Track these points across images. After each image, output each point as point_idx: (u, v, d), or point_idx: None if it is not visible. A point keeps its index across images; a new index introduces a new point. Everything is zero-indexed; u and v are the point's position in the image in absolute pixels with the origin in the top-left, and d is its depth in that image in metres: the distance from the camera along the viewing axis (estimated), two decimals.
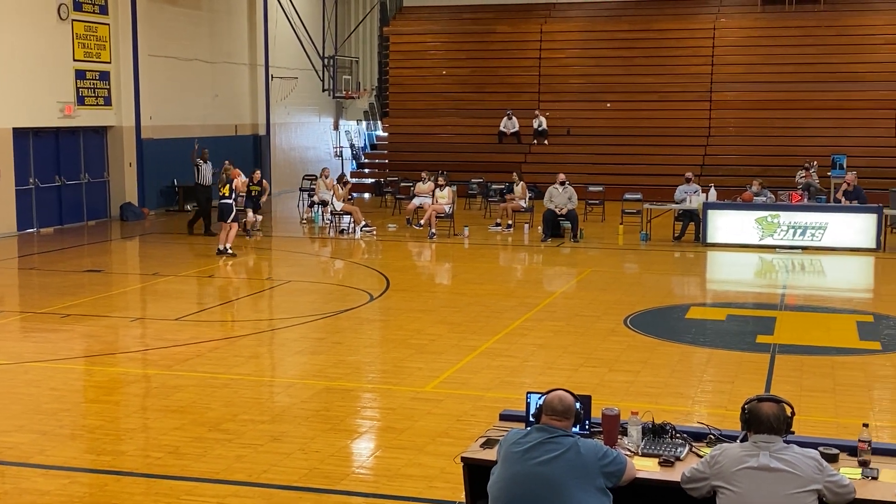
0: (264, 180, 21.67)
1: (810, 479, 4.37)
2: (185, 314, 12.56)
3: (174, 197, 25.22)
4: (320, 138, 33.25)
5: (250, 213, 20.03)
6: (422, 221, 20.61)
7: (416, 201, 21.71)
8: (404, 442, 7.67)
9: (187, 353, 10.49)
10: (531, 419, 4.97)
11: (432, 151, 30.16)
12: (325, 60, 31.72)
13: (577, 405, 4.85)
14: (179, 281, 15.23)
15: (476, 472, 4.99)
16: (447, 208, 20.66)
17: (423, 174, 22.53)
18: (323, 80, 31.73)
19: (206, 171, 20.98)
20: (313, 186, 23.54)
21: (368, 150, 34.69)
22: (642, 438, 5.10)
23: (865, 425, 4.99)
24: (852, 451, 4.87)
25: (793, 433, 4.63)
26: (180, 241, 19.83)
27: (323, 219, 22.03)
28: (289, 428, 8.02)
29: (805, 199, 19.67)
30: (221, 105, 27.38)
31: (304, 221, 22.90)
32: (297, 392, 9.15)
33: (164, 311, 12.76)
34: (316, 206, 22.42)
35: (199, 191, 21.09)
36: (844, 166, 23.38)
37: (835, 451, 4.84)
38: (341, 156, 33.83)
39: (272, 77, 29.46)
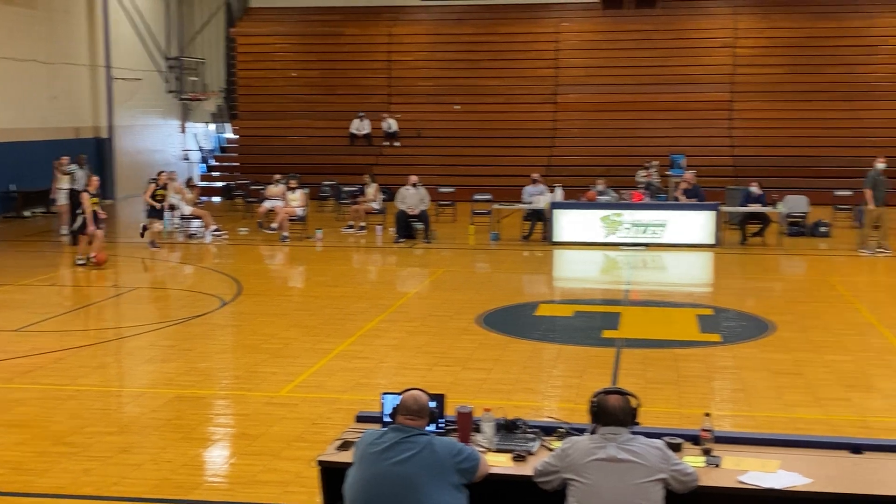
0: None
1: (656, 468, 4.53)
2: (26, 324, 12.06)
3: (12, 203, 24.15)
4: (166, 141, 32.42)
5: (156, 224, 19.39)
6: (274, 224, 20.37)
7: (267, 204, 21.43)
8: (259, 448, 7.58)
9: (29, 365, 10.08)
10: (387, 420, 5.00)
11: (283, 154, 29.87)
12: (170, 61, 30.96)
13: (432, 404, 4.90)
14: (19, 290, 14.60)
15: (332, 475, 4.98)
16: (299, 211, 20.48)
17: (275, 177, 22.28)
18: (168, 82, 30.94)
19: (82, 178, 20.20)
20: None
21: (218, 153, 34.06)
22: (496, 434, 5.19)
23: (707, 415, 5.21)
24: (695, 440, 5.07)
25: (638, 424, 4.78)
26: (20, 249, 19.01)
27: (171, 223, 21.51)
28: (138, 439, 7.81)
29: (647, 198, 20.37)
30: (60, 107, 26.38)
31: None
32: (146, 402, 8.91)
33: (2, 322, 12.21)
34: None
35: (74, 196, 20.27)
36: (683, 165, 24.31)
37: (679, 440, 5.03)
38: (189, 159, 33.09)
39: (114, 78, 28.56)
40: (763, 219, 19.63)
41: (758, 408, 8.78)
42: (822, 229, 20.52)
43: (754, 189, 19.72)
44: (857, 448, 5.02)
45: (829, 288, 14.83)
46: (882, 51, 29.46)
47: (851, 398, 9.03)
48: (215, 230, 20.22)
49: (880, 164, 18.38)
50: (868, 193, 18.13)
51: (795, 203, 20.92)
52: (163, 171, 20.54)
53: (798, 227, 20.53)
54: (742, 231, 19.63)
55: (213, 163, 33.18)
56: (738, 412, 8.67)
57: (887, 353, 10.70)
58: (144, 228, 19.09)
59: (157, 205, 19.05)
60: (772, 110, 29.27)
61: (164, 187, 19.88)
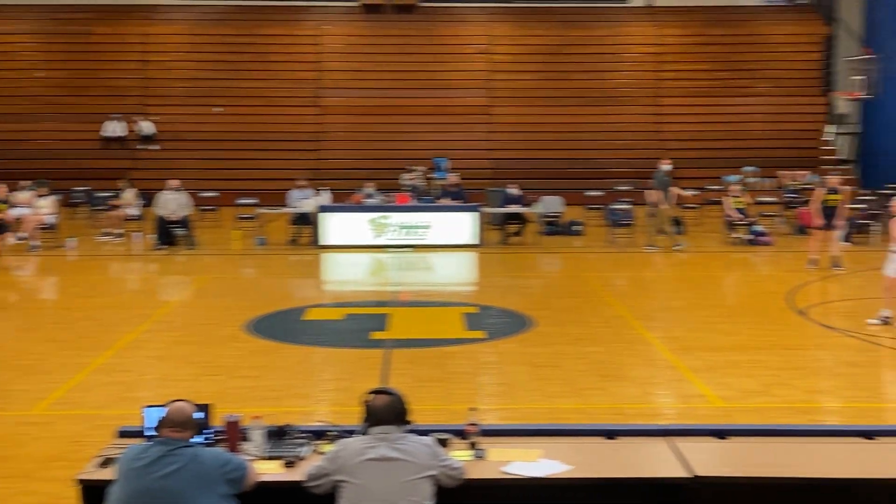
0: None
1: (426, 465, 4.61)
2: None
3: None
4: None
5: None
6: (21, 234, 19.21)
7: (13, 212, 20.19)
8: (11, 470, 7.13)
9: None
10: (151, 433, 4.84)
11: (30, 158, 28.15)
12: None
13: (198, 415, 4.79)
14: None
15: (93, 494, 4.77)
16: (49, 218, 19.44)
17: (21, 183, 21.03)
18: None
19: None
20: None
21: None
22: (266, 442, 5.13)
23: (473, 409, 5.35)
24: (462, 434, 5.20)
25: (411, 423, 4.85)
26: None
27: None
28: None
29: (412, 200, 20.72)
30: None
31: None
32: None
33: None
34: None
35: None
36: (446, 168, 24.86)
37: (446, 436, 5.14)
38: None
39: None
40: (522, 219, 20.36)
41: (520, 400, 9.10)
42: (576, 228, 21.54)
43: (513, 190, 20.43)
44: (611, 434, 5.31)
45: (583, 283, 15.58)
46: (627, 58, 31.26)
47: (606, 387, 9.52)
48: None
49: (666, 166, 19.52)
50: (658, 194, 19.19)
51: (551, 203, 21.85)
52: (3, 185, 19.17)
53: (554, 227, 21.45)
54: (502, 231, 20.29)
55: None
56: (502, 405, 8.95)
57: (638, 344, 11.36)
58: None
59: None
60: (527, 115, 30.39)
61: (6, 201, 18.55)
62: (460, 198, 20.48)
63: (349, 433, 5.08)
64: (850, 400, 9.29)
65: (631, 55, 31.25)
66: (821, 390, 9.68)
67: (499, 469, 4.87)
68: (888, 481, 4.78)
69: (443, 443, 5.02)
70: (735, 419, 8.32)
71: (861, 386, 9.60)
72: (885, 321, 11.81)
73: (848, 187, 19.02)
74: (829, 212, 16.50)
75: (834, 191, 16.79)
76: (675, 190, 19.68)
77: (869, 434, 5.28)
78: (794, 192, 24.56)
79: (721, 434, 5.29)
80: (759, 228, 19.98)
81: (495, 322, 12.64)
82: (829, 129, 31.63)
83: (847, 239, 19.28)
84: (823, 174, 22.22)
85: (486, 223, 20.43)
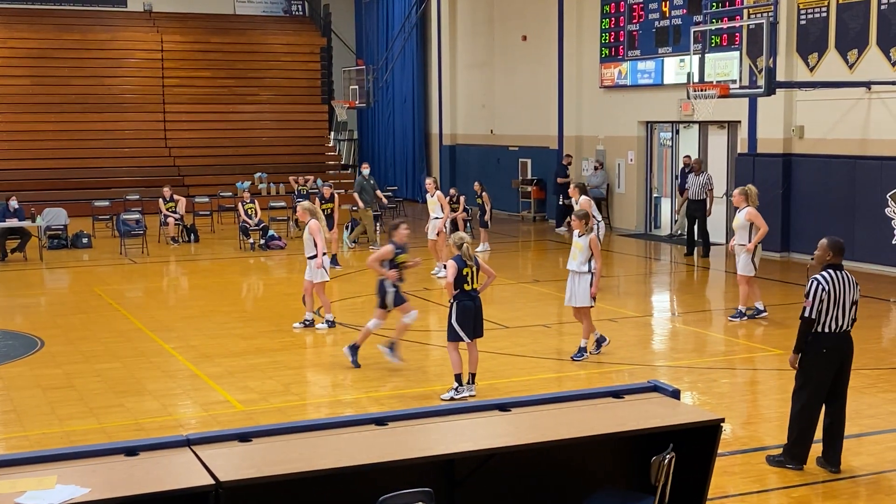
0: None
1: None
2: None
3: None
4: None
5: None
6: None
7: None
8: None
9: None
10: None
11: None
12: None
13: None
14: None
15: None
16: None
17: None
18: None
19: None
20: None
21: None
22: None
23: None
24: None
25: None
26: None
27: None
28: None
29: None
30: None
31: None
32: None
33: None
34: None
35: None
36: None
37: None
38: None
39: None
40: (22, 233, 19.09)
41: (32, 426, 8.54)
42: (84, 240, 20.59)
43: (13, 203, 19.10)
44: (130, 451, 5.13)
45: (95, 298, 14.92)
46: (129, 64, 30.42)
47: (125, 403, 9.21)
48: None
49: (365, 170, 19.90)
50: (357, 197, 19.39)
51: (55, 216, 20.72)
52: None
53: (59, 240, 20.36)
54: (2, 247, 18.85)
55: None
56: (11, 434, 8.36)
57: (155, 356, 11.11)
58: None
59: None
60: (22, 122, 28.46)
61: None
62: None
63: None
64: (366, 391, 9.84)
65: (133, 61, 30.50)
66: (336, 384, 10.15)
67: (13, 501, 4.52)
68: (401, 462, 5.12)
69: None
70: (258, 420, 8.45)
71: (369, 377, 10.21)
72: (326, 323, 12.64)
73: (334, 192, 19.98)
74: (327, 218, 17.52)
75: (329, 199, 17.72)
76: (378, 194, 20.38)
77: (381, 421, 5.61)
78: (304, 196, 25.47)
79: (244, 437, 5.33)
80: (271, 233, 20.48)
81: None
82: (332, 136, 33.31)
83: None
84: (328, 179, 23.36)
85: None
